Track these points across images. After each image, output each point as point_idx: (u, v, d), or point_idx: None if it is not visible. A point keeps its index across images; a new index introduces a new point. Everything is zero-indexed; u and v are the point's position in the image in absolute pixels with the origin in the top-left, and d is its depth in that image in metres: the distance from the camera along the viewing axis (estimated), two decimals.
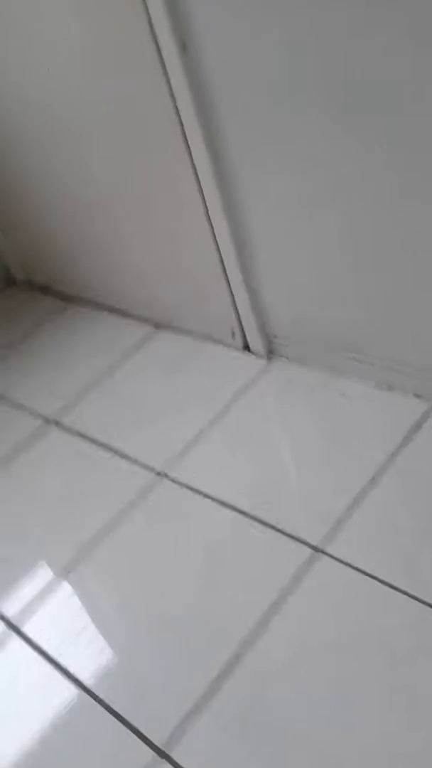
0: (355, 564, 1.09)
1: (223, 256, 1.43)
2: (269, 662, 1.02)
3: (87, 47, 1.35)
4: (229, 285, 1.48)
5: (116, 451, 1.45)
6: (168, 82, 1.25)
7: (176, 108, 1.27)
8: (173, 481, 1.34)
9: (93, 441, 1.49)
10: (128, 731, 1.00)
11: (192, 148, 1.30)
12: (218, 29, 1.13)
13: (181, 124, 1.28)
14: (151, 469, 1.38)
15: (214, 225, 1.39)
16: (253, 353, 1.55)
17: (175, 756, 0.95)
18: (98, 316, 1.87)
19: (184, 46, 1.19)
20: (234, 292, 1.49)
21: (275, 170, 1.23)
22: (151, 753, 0.97)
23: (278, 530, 1.18)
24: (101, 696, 1.06)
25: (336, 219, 1.21)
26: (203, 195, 1.36)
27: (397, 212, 1.13)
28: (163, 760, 0.95)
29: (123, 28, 1.24)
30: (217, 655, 1.04)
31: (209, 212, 1.38)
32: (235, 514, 1.23)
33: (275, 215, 1.29)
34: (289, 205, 1.25)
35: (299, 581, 1.09)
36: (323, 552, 1.12)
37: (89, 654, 1.12)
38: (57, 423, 1.57)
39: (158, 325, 1.75)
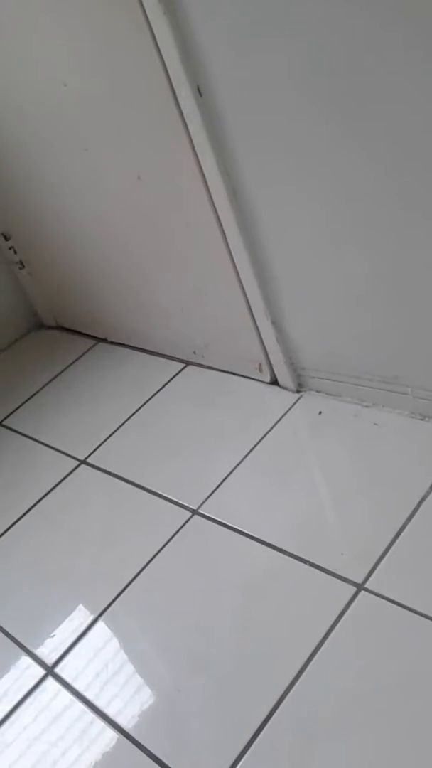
0: (401, 601, 1.06)
1: (247, 292, 1.44)
2: (314, 708, 0.99)
3: (104, 94, 1.38)
4: (255, 320, 1.49)
5: (149, 489, 1.44)
6: (185, 126, 1.27)
7: (194, 149, 1.29)
8: (207, 518, 1.33)
9: (125, 480, 1.49)
10: None
11: (211, 189, 1.32)
12: (230, 72, 1.15)
13: (200, 166, 1.30)
14: (184, 506, 1.37)
15: (236, 262, 1.41)
16: (282, 387, 1.55)
17: None
18: (127, 356, 1.88)
19: (199, 90, 1.22)
20: (260, 327, 1.49)
21: (296, 205, 1.24)
22: None
23: (318, 567, 1.16)
24: (140, 740, 1.04)
25: (362, 250, 1.21)
26: (224, 233, 1.37)
27: (428, 241, 1.13)
28: None
29: (139, 75, 1.27)
30: (260, 699, 1.02)
31: (231, 250, 1.39)
32: (272, 551, 1.21)
33: (298, 249, 1.30)
34: (312, 238, 1.26)
35: (343, 621, 1.07)
36: (367, 589, 1.10)
37: (127, 696, 1.10)
38: (89, 462, 1.58)
39: (187, 362, 1.76)
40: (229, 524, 1.30)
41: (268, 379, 1.57)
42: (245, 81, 1.15)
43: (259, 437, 1.45)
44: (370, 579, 1.11)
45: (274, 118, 1.15)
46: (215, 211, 1.34)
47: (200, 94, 1.22)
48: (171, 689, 1.09)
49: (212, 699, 1.05)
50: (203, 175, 1.31)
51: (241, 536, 1.27)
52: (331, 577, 1.13)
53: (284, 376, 1.53)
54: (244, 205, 1.31)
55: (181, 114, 1.26)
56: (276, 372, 1.54)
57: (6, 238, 1.97)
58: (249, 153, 1.23)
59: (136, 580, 1.27)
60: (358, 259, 1.23)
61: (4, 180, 1.81)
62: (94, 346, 1.99)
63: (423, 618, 1.03)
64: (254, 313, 1.47)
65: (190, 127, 1.26)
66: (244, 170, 1.26)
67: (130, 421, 1.65)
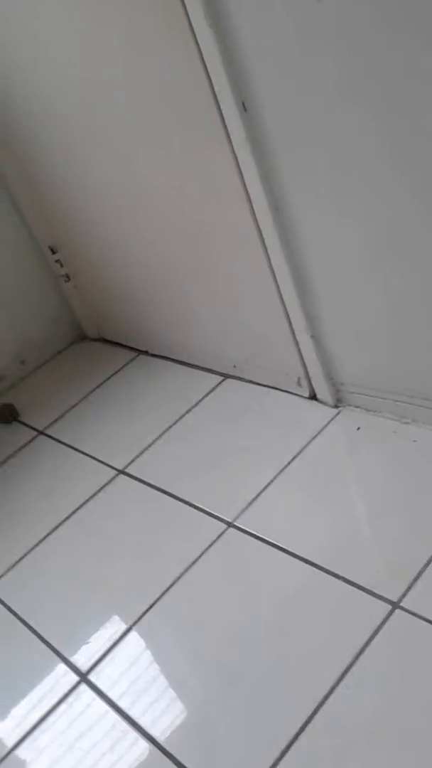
0: None
1: (287, 306, 1.45)
2: (346, 725, 0.97)
3: (148, 107, 1.41)
4: (294, 334, 1.49)
5: (185, 501, 1.45)
6: (229, 140, 1.29)
7: (237, 163, 1.30)
8: (243, 531, 1.33)
9: (162, 490, 1.50)
10: None
11: (253, 203, 1.33)
12: (275, 87, 1.17)
13: (243, 180, 1.32)
14: (220, 518, 1.37)
15: (276, 276, 1.41)
16: (320, 401, 1.54)
17: None
18: (167, 368, 1.90)
19: (243, 105, 1.23)
20: (299, 341, 1.49)
21: (338, 221, 1.24)
22: None
23: (354, 584, 1.14)
24: (173, 752, 1.03)
25: (403, 266, 1.21)
26: (265, 247, 1.38)
27: None
28: None
29: (184, 88, 1.30)
30: (292, 713, 1.01)
31: (272, 264, 1.40)
32: (307, 566, 1.21)
33: (339, 264, 1.30)
34: (354, 253, 1.26)
35: (377, 639, 1.05)
36: (402, 608, 1.08)
37: (160, 707, 1.10)
38: (127, 472, 1.59)
39: (226, 375, 1.76)
40: (265, 538, 1.29)
41: (306, 393, 1.57)
42: (290, 96, 1.16)
43: (297, 451, 1.45)
44: (406, 597, 1.09)
45: (319, 134, 1.16)
46: (257, 225, 1.36)
47: (245, 109, 1.23)
48: (204, 701, 1.09)
49: (245, 712, 1.04)
50: (246, 189, 1.32)
51: (276, 550, 1.26)
52: (366, 594, 1.12)
53: (323, 390, 1.52)
54: (285, 219, 1.32)
55: (225, 128, 1.27)
56: (315, 386, 1.54)
57: (53, 252, 2.02)
58: (292, 168, 1.24)
59: (170, 590, 1.27)
60: (400, 274, 1.22)
61: (53, 195, 1.86)
62: (135, 358, 2.01)
63: None
64: (294, 327, 1.47)
65: (233, 141, 1.28)
66: (287, 184, 1.27)
67: (168, 432, 1.67)
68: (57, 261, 2.04)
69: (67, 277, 2.07)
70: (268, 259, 1.40)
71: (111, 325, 2.09)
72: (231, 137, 1.28)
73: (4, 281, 2.03)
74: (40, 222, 1.98)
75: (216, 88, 1.24)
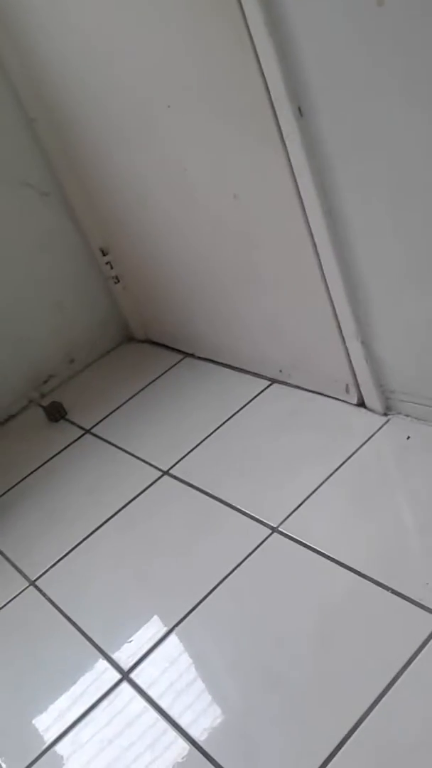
0: None
1: (337, 312, 1.44)
2: (391, 737, 0.96)
3: (204, 114, 1.42)
4: (344, 340, 1.48)
5: (229, 504, 1.45)
6: (285, 146, 1.28)
7: (291, 169, 1.30)
8: (287, 537, 1.32)
9: (206, 493, 1.50)
10: None
11: (307, 209, 1.33)
12: (332, 93, 1.16)
13: (297, 186, 1.31)
14: (264, 523, 1.37)
15: (328, 282, 1.40)
16: (369, 409, 1.53)
17: None
18: (213, 371, 1.91)
19: (300, 111, 1.23)
20: (348, 348, 1.48)
21: (394, 228, 1.23)
22: None
23: (400, 595, 1.13)
24: (212, 753, 1.03)
25: None
26: (317, 253, 1.38)
27: None
28: None
29: (240, 93, 1.30)
30: (334, 722, 1.00)
31: (323, 270, 1.39)
32: (352, 575, 1.19)
33: (393, 271, 1.28)
34: (410, 261, 1.25)
35: (425, 652, 1.03)
36: None
37: (200, 708, 1.11)
38: (171, 474, 1.60)
39: (273, 380, 1.76)
40: (310, 544, 1.28)
41: (355, 400, 1.55)
42: (347, 102, 1.15)
43: (344, 459, 1.43)
44: None
45: (375, 140, 1.15)
46: (310, 231, 1.35)
47: (301, 115, 1.23)
48: (244, 705, 1.08)
49: (285, 718, 1.04)
50: (299, 195, 1.32)
51: (321, 557, 1.25)
52: (413, 606, 1.10)
53: (372, 398, 1.50)
54: (339, 225, 1.31)
55: (281, 134, 1.27)
56: (363, 393, 1.52)
57: (104, 254, 2.05)
58: (347, 174, 1.23)
59: (213, 592, 1.27)
60: None
61: (105, 198, 1.89)
62: (181, 360, 2.02)
63: None
64: (344, 333, 1.46)
65: (289, 147, 1.28)
66: (341, 190, 1.26)
67: (213, 435, 1.67)
68: (107, 263, 2.07)
69: (117, 279, 2.09)
70: (320, 265, 1.39)
71: (158, 327, 2.11)
72: (286, 143, 1.28)
73: (57, 282, 2.07)
74: (92, 224, 2.01)
75: (272, 94, 1.24)
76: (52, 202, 2.00)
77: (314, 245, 1.37)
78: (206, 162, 1.49)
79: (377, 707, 0.99)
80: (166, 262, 1.84)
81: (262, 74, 1.23)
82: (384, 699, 1.00)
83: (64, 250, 2.06)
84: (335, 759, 0.96)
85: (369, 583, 1.17)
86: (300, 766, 0.97)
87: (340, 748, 0.97)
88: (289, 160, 1.30)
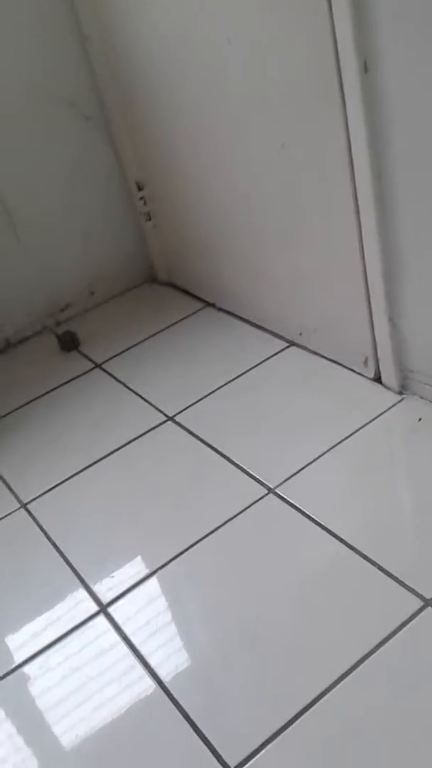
0: None
1: (369, 282, 1.40)
2: (356, 710, 0.96)
3: (265, 55, 1.36)
4: (371, 313, 1.44)
5: (229, 459, 1.44)
6: (343, 100, 1.23)
7: (347, 127, 1.25)
8: (283, 499, 1.31)
9: (208, 444, 1.49)
10: (199, 740, 0.98)
11: (356, 168, 1.28)
12: (402, 53, 1.10)
13: (349, 144, 1.26)
14: (262, 482, 1.36)
15: (365, 249, 1.36)
16: (384, 385, 1.50)
17: None
18: (232, 325, 1.88)
19: (365, 65, 1.17)
20: (374, 321, 1.45)
21: None
22: None
23: (387, 573, 1.12)
24: (176, 695, 1.04)
25: None
26: (359, 217, 1.33)
27: None
28: None
29: (305, 39, 1.24)
30: (302, 688, 1.00)
31: (362, 235, 1.35)
32: (343, 547, 1.19)
33: None
34: None
35: (403, 632, 1.03)
36: None
37: (171, 651, 1.11)
38: (176, 420, 1.59)
39: (291, 343, 1.73)
40: (304, 510, 1.28)
41: (371, 375, 1.53)
42: (416, 67, 1.09)
43: (352, 431, 1.41)
44: None
45: None
46: (355, 192, 1.30)
47: (366, 70, 1.17)
48: (216, 656, 1.09)
49: (254, 676, 1.04)
50: (350, 153, 1.27)
51: (313, 524, 1.24)
52: (398, 586, 1.10)
53: (389, 374, 1.48)
54: (387, 194, 1.26)
55: (341, 87, 1.22)
56: (381, 369, 1.50)
57: (139, 188, 2.00)
58: (404, 138, 1.18)
59: (200, 543, 1.27)
60: None
61: (150, 131, 1.83)
62: (202, 309, 1.99)
63: None
64: (372, 305, 1.42)
65: (347, 102, 1.22)
66: (395, 155, 1.21)
67: (223, 389, 1.65)
68: (141, 198, 2.02)
69: (149, 216, 2.05)
70: (360, 232, 1.35)
71: (183, 271, 2.07)
72: (345, 98, 1.23)
73: (87, 210, 2.03)
74: (132, 156, 1.96)
75: (339, 45, 1.18)
76: (94, 127, 1.95)
77: (357, 210, 1.32)
78: (258, 105, 1.43)
79: (346, 680, 1.00)
80: (202, 206, 1.80)
81: (332, 20, 1.17)
82: (354, 673, 1.00)
83: (99, 179, 2.01)
84: (295, 724, 0.96)
85: (357, 556, 1.16)
86: (260, 725, 0.98)
87: (302, 714, 0.97)
88: (345, 116, 1.24)
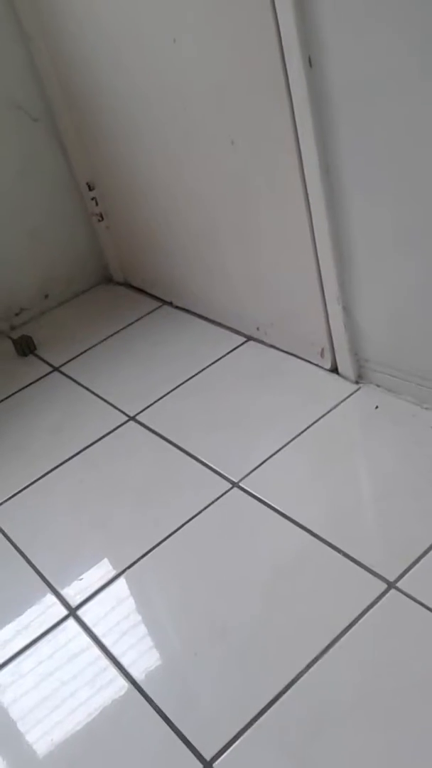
0: (431, 605, 1.04)
1: (322, 273, 1.42)
2: (326, 695, 0.98)
3: (211, 54, 1.37)
4: (325, 303, 1.46)
5: (192, 455, 1.45)
6: (290, 95, 1.25)
7: (294, 122, 1.27)
8: (247, 492, 1.32)
9: (171, 442, 1.50)
10: (174, 736, 0.99)
11: (304, 163, 1.30)
12: (345, 48, 1.12)
13: (297, 138, 1.28)
14: (225, 477, 1.37)
15: (316, 240, 1.38)
16: (341, 375, 1.53)
17: None
18: (190, 322, 1.88)
19: (309, 61, 1.19)
20: (329, 311, 1.47)
21: (389, 192, 1.21)
22: (196, 763, 0.95)
23: (352, 559, 1.14)
24: (150, 693, 1.05)
25: None
26: (309, 210, 1.35)
27: None
28: None
29: (250, 35, 1.25)
30: (274, 676, 1.02)
31: (313, 227, 1.37)
32: (308, 535, 1.20)
33: (384, 238, 1.27)
34: (401, 229, 1.23)
35: (368, 616, 1.05)
36: (398, 588, 1.08)
37: (143, 650, 1.12)
38: (137, 420, 1.59)
39: (249, 338, 1.75)
40: (268, 502, 1.29)
41: (328, 365, 1.55)
42: (359, 60, 1.11)
43: (311, 422, 1.44)
44: (403, 579, 1.09)
45: (384, 105, 1.12)
46: (304, 186, 1.32)
47: (310, 65, 1.19)
48: (187, 651, 1.10)
49: (226, 668, 1.05)
50: (299, 148, 1.29)
51: (277, 515, 1.26)
52: (363, 571, 1.12)
53: (345, 365, 1.50)
54: (335, 184, 1.28)
55: (287, 83, 1.23)
56: (338, 360, 1.52)
57: (90, 188, 1.99)
58: (350, 133, 1.20)
59: (167, 540, 1.28)
60: None
61: (98, 131, 1.82)
62: (158, 308, 1.99)
63: None
64: (326, 295, 1.44)
65: (294, 97, 1.24)
66: (342, 149, 1.23)
67: (183, 386, 1.66)
68: (93, 198, 2.01)
69: (101, 217, 2.04)
70: (311, 223, 1.37)
71: (138, 271, 2.07)
72: (291, 93, 1.24)
73: (38, 212, 2.01)
74: (82, 157, 1.95)
75: (283, 38, 1.20)
76: (42, 129, 1.93)
77: (307, 201, 1.34)
78: (207, 103, 1.44)
79: (316, 665, 1.01)
80: (155, 205, 1.80)
81: (275, 15, 1.19)
82: (323, 657, 1.02)
83: (49, 180, 1.99)
84: (268, 712, 0.98)
85: (322, 544, 1.18)
86: (235, 715, 0.99)
87: (275, 702, 0.99)
88: (292, 110, 1.26)
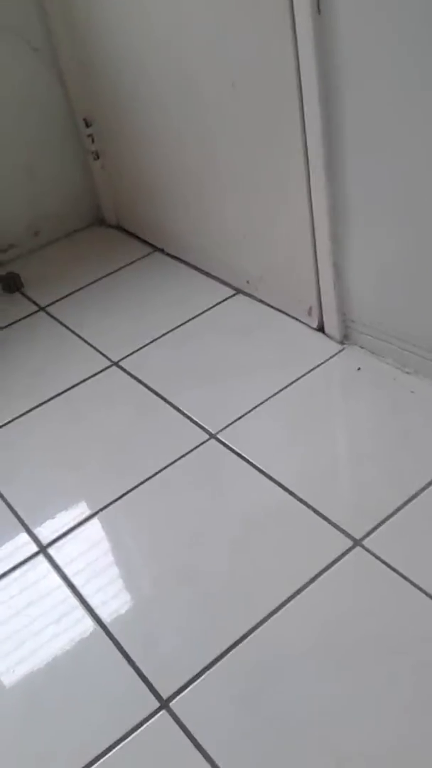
0: (394, 564, 1.06)
1: (316, 226, 1.40)
2: (283, 644, 1.01)
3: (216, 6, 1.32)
4: (317, 263, 1.45)
5: (172, 404, 1.45)
6: (295, 40, 1.21)
7: (298, 71, 1.23)
8: (224, 444, 1.33)
9: (152, 390, 1.50)
10: (135, 674, 1.01)
11: (305, 109, 1.26)
12: None
13: (300, 83, 1.24)
14: (203, 428, 1.38)
15: (312, 193, 1.36)
16: (327, 335, 1.52)
17: (177, 710, 0.96)
18: (180, 271, 1.86)
19: (318, 7, 1.15)
20: (320, 271, 1.45)
21: (390, 142, 1.18)
22: (153, 701, 0.97)
23: (321, 515, 1.16)
24: (115, 634, 1.07)
25: None
26: (308, 160, 1.32)
27: None
28: (163, 711, 0.96)
29: None
30: (238, 621, 1.04)
31: (311, 178, 1.34)
32: (280, 491, 1.22)
33: (380, 195, 1.25)
34: (398, 187, 1.21)
35: (332, 571, 1.08)
36: (363, 546, 1.10)
37: (112, 591, 1.14)
38: (120, 365, 1.58)
39: (238, 290, 1.73)
40: (244, 455, 1.30)
41: (315, 324, 1.54)
42: (370, 10, 1.08)
43: (293, 379, 1.44)
44: (369, 537, 1.11)
45: (391, 60, 1.09)
46: (305, 135, 1.29)
47: (319, 12, 1.15)
48: (154, 595, 1.12)
49: (191, 612, 1.07)
50: (301, 93, 1.25)
51: (252, 469, 1.27)
52: (331, 527, 1.14)
53: (332, 324, 1.50)
54: (335, 136, 1.25)
55: (294, 27, 1.19)
56: (325, 319, 1.51)
57: (87, 125, 1.93)
58: (354, 82, 1.17)
59: (141, 486, 1.29)
60: None
61: (100, 66, 1.76)
62: (150, 254, 1.97)
63: (410, 585, 1.03)
64: (318, 250, 1.42)
65: (299, 42, 1.20)
66: (346, 102, 1.20)
67: (169, 335, 1.65)
68: (89, 135, 1.95)
69: (96, 155, 1.99)
70: (308, 175, 1.34)
71: (132, 214, 2.03)
72: (297, 38, 1.20)
73: (32, 145, 1.95)
74: (81, 92, 1.89)
75: None
76: (42, 60, 1.86)
77: (306, 151, 1.31)
78: (209, 47, 1.39)
79: (279, 613, 1.04)
80: (152, 147, 1.75)
81: None
82: (285, 607, 1.04)
83: (45, 113, 1.93)
84: (228, 655, 1.00)
85: (294, 499, 1.20)
86: (197, 656, 1.01)
87: (235, 646, 1.01)
88: (297, 57, 1.22)
